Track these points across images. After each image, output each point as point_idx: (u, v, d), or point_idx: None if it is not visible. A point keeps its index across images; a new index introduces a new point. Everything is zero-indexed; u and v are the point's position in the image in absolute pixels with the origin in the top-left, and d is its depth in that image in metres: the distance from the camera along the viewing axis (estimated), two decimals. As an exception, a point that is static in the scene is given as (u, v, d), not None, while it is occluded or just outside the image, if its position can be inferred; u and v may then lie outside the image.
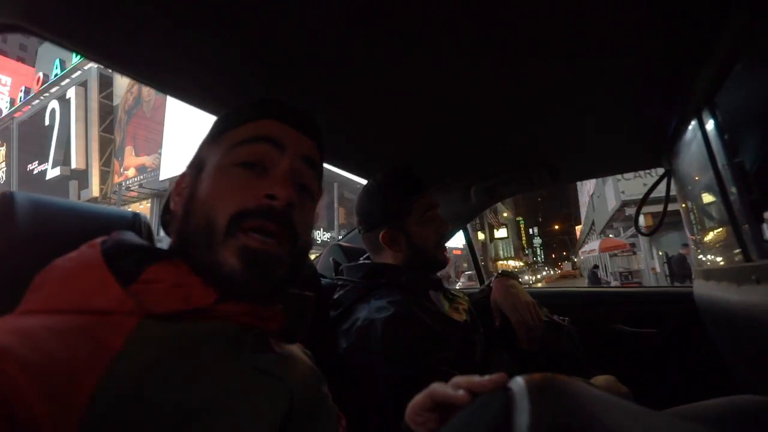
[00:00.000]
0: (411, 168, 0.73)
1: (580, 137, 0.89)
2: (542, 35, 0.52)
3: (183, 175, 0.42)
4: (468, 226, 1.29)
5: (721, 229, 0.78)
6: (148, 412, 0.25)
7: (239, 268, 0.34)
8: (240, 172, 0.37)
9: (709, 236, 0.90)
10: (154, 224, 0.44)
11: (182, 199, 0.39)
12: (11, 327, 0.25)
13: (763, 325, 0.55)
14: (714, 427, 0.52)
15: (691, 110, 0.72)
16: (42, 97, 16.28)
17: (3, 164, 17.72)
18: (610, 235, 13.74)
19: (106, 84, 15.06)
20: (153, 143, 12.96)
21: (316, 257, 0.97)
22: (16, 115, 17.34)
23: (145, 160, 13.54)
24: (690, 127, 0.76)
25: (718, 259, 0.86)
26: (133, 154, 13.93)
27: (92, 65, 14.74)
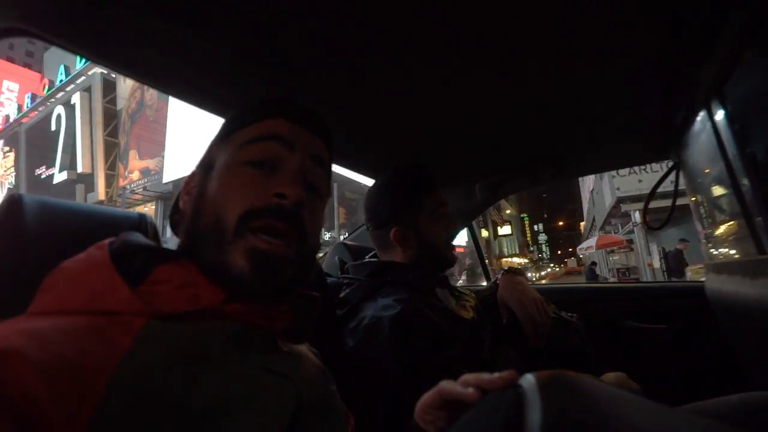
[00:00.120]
0: (421, 165, 0.73)
1: (584, 131, 0.88)
2: (545, 29, 0.51)
3: (192, 175, 0.42)
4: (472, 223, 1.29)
5: (732, 221, 0.77)
6: (157, 412, 0.25)
7: (248, 269, 0.34)
8: (249, 171, 0.37)
9: (721, 229, 0.88)
10: (159, 226, 0.44)
11: (191, 198, 0.39)
12: (22, 328, 0.25)
13: None
14: (730, 425, 0.51)
15: (700, 100, 0.71)
16: (48, 103, 16.51)
17: (12, 169, 18.02)
18: (612, 232, 13.66)
19: (109, 89, 15.24)
20: (156, 146, 13.10)
21: (321, 257, 0.97)
22: (23, 120, 17.61)
23: (149, 163, 13.70)
24: (699, 118, 0.75)
25: (731, 252, 0.84)
26: (137, 157, 14.09)
27: (96, 70, 14.92)
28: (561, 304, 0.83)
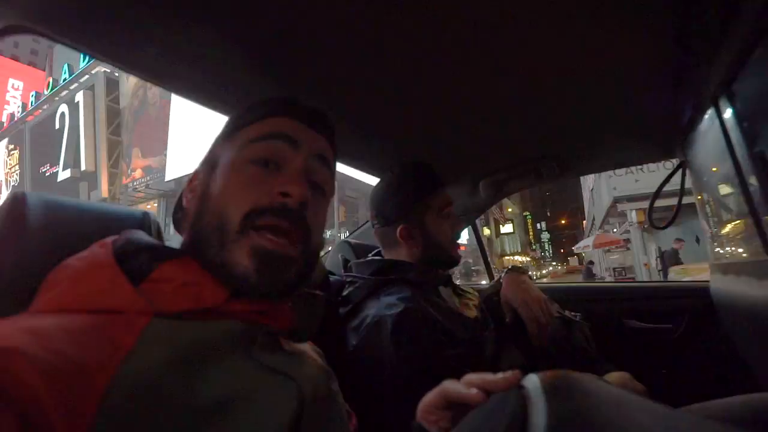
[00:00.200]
0: (428, 163, 0.73)
1: (589, 129, 0.87)
2: (549, 26, 0.50)
3: (196, 172, 0.41)
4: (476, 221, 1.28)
5: (739, 221, 0.76)
6: (160, 411, 0.25)
7: (252, 268, 0.34)
8: (253, 170, 0.37)
9: (727, 229, 0.87)
10: (162, 224, 0.44)
11: (195, 196, 0.39)
12: (24, 326, 0.25)
13: None
14: (735, 427, 0.50)
15: (708, 98, 0.69)
16: (53, 101, 16.60)
17: (17, 167, 18.16)
18: (611, 231, 13.64)
19: (113, 87, 15.30)
20: (158, 144, 13.16)
21: (323, 255, 0.97)
22: (28, 119, 17.73)
23: (151, 161, 13.75)
24: (706, 116, 0.74)
25: (738, 252, 0.83)
26: (140, 155, 14.16)
27: (99, 69, 14.99)
28: (565, 303, 0.82)
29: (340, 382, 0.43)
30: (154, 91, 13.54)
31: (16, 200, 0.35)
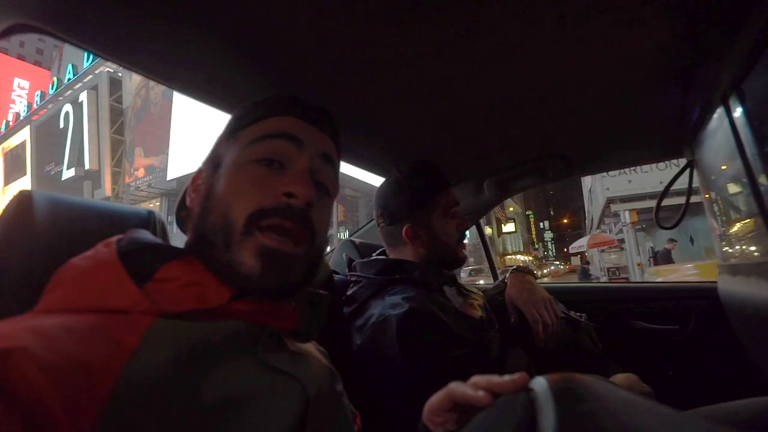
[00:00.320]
0: (434, 163, 0.72)
1: (596, 128, 0.86)
2: (555, 23, 0.50)
3: (199, 171, 0.41)
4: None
5: (749, 221, 0.75)
6: (164, 411, 0.25)
7: (258, 268, 0.33)
8: (257, 169, 0.37)
9: (736, 229, 0.86)
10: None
11: (199, 195, 0.39)
12: (29, 326, 0.24)
13: None
14: (743, 429, 0.49)
15: (717, 97, 0.68)
16: (57, 100, 16.73)
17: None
18: (607, 231, 13.61)
19: (116, 87, 15.39)
20: (161, 143, 13.23)
21: (327, 254, 0.97)
22: (33, 118, 17.88)
23: (154, 160, 13.83)
24: (716, 115, 0.73)
25: (747, 252, 0.82)
26: (143, 154, 14.24)
27: (103, 69, 15.08)
28: (570, 303, 0.82)
29: (344, 382, 0.42)
30: (156, 90, 13.61)
31: (23, 198, 0.35)
